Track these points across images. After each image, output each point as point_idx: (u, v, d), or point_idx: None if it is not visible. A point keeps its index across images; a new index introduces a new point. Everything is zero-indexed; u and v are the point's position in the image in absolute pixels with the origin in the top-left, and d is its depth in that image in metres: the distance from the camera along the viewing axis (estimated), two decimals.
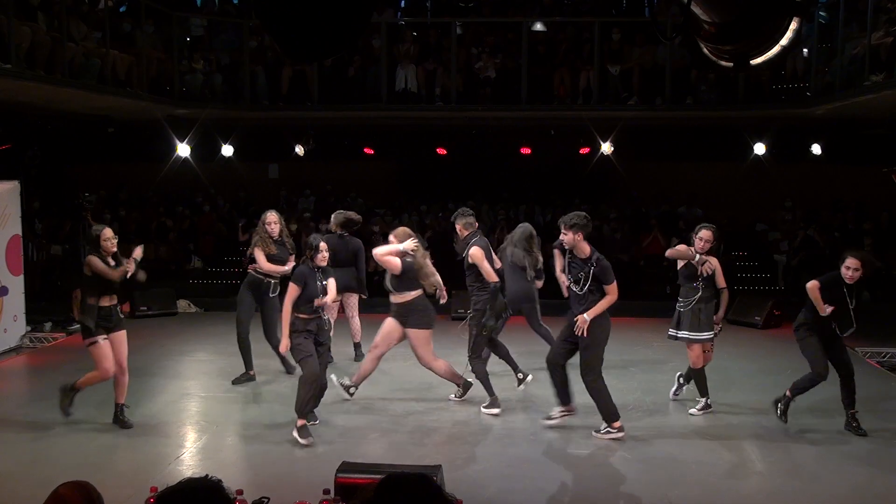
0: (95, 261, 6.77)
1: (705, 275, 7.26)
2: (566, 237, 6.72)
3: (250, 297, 8.38)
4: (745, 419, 7.27)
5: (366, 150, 15.09)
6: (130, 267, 6.90)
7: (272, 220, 8.30)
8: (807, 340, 6.82)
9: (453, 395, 7.91)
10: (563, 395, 7.09)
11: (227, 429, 7.13)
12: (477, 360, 7.61)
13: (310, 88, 12.81)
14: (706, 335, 7.33)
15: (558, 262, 7.19)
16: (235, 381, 8.47)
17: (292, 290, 6.67)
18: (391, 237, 7.68)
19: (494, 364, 8.11)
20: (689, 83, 12.58)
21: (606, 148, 13.21)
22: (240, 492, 3.95)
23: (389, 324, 7.55)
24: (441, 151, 14.79)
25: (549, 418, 7.09)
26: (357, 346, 9.64)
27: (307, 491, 5.04)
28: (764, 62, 3.72)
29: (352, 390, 7.80)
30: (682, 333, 7.40)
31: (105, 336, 6.88)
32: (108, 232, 6.90)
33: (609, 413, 6.81)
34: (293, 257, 8.38)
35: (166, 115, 12.41)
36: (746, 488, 5.98)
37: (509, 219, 14.30)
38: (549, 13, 14.02)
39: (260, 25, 11.38)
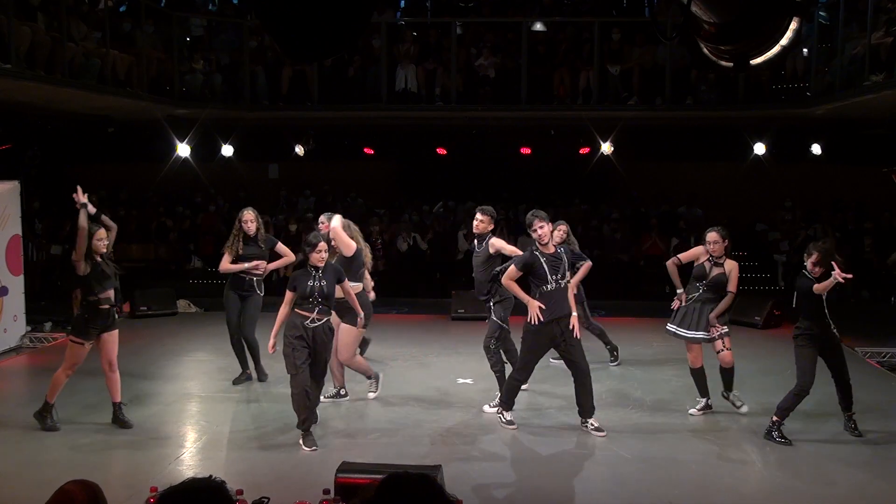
0: (74, 254, 6.85)
1: (710, 277, 7.22)
2: (543, 230, 6.77)
3: (235, 296, 8.40)
4: (745, 419, 7.26)
5: (366, 150, 15.09)
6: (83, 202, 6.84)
7: (248, 219, 8.31)
8: (803, 350, 6.69)
9: (370, 394, 7.92)
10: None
11: (227, 429, 7.13)
12: (496, 355, 7.54)
13: (310, 88, 12.81)
14: (694, 334, 7.28)
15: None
16: (236, 382, 8.48)
17: (286, 296, 6.62)
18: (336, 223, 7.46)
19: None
20: (689, 83, 12.58)
21: (606, 148, 13.21)
22: (240, 492, 3.95)
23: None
24: (441, 151, 14.79)
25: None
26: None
27: (307, 491, 5.05)
28: (764, 62, 3.72)
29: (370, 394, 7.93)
30: (670, 326, 7.42)
31: (92, 342, 6.90)
32: (101, 233, 6.91)
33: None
34: (281, 250, 8.45)
35: (166, 115, 12.40)
36: (746, 488, 5.98)
37: (509, 219, 14.30)
38: (549, 13, 14.01)
39: (260, 25, 11.39)
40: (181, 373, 9.32)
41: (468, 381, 8.58)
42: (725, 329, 7.31)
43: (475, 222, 7.62)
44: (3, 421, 7.25)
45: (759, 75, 11.68)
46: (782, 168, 14.04)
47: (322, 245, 6.62)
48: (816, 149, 13.26)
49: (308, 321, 6.55)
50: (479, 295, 7.64)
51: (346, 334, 7.39)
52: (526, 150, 14.79)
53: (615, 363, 9.35)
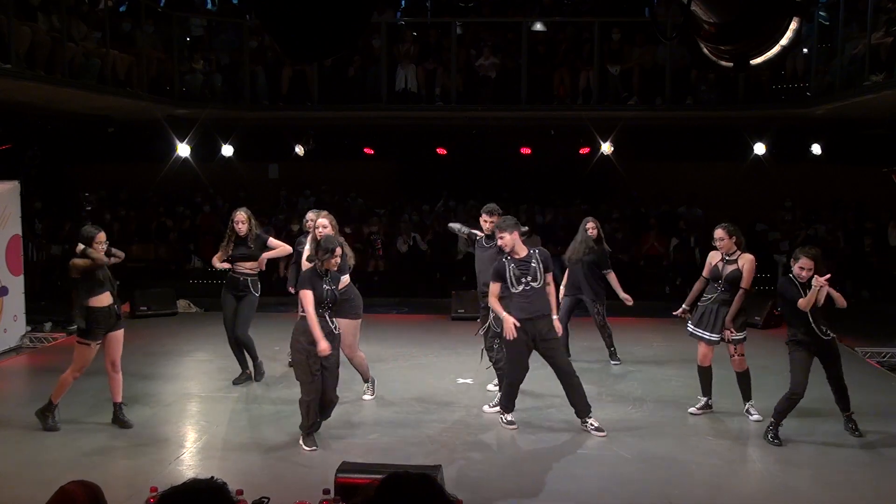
0: (77, 261, 6.82)
1: (725, 276, 7.18)
2: (504, 240, 6.86)
3: (230, 296, 8.42)
4: (745, 419, 7.26)
5: (366, 150, 15.08)
6: (107, 258, 6.85)
7: (239, 220, 8.32)
8: (794, 354, 6.67)
9: (366, 396, 7.90)
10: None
11: (227, 429, 7.14)
12: (500, 352, 7.57)
13: (310, 88, 12.80)
14: (709, 336, 7.26)
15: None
16: (236, 382, 8.49)
17: (308, 296, 6.31)
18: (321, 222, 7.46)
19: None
20: (689, 83, 12.58)
21: (606, 148, 13.21)
22: (240, 492, 3.96)
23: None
24: (441, 151, 14.78)
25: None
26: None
27: (307, 491, 5.05)
28: (764, 62, 3.72)
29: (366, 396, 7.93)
30: (690, 327, 7.39)
31: (99, 342, 6.88)
32: (102, 236, 6.92)
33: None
34: (273, 244, 8.44)
35: (166, 115, 12.40)
36: (746, 488, 5.98)
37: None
38: (549, 13, 14.01)
39: (260, 25, 11.39)
40: (181, 373, 9.32)
41: (468, 381, 8.58)
42: (741, 335, 7.23)
43: (486, 224, 7.71)
44: (3, 421, 7.25)
45: (759, 75, 11.68)
46: (782, 168, 14.04)
47: (339, 250, 6.51)
48: (816, 149, 13.26)
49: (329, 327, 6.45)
50: (484, 289, 7.64)
51: (346, 329, 7.24)
52: (526, 150, 14.78)
53: (617, 363, 9.36)
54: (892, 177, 11.79)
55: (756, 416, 7.22)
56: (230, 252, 8.33)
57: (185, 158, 13.20)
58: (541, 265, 6.91)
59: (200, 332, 11.25)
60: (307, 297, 6.30)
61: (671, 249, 14.15)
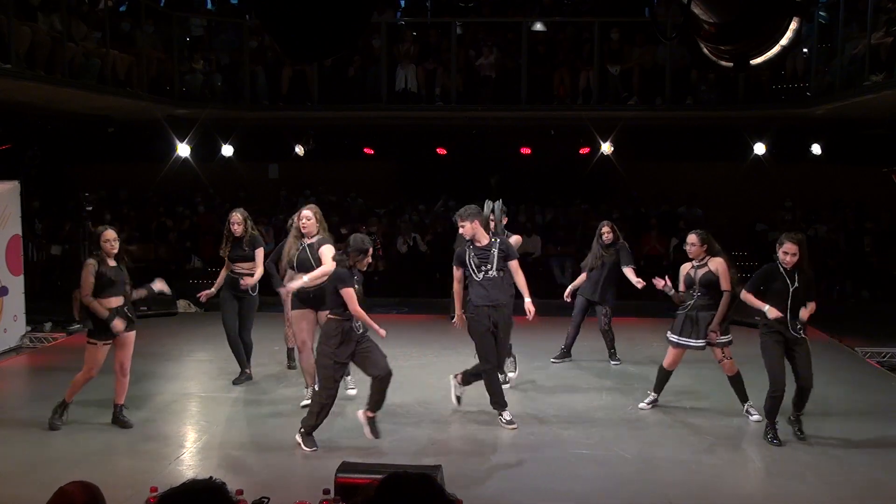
0: (85, 273, 6.75)
1: (698, 280, 7.22)
2: (465, 228, 7.08)
3: (230, 297, 8.42)
4: (745, 419, 7.26)
5: (366, 150, 15.09)
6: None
7: (234, 221, 8.33)
8: (766, 343, 6.63)
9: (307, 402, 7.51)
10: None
11: (227, 429, 7.14)
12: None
13: (310, 88, 12.81)
14: (694, 343, 7.24)
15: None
16: (236, 382, 8.49)
17: (351, 294, 6.30)
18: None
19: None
20: (689, 83, 12.58)
21: (606, 148, 13.21)
22: (240, 492, 3.95)
23: (308, 314, 7.34)
24: (441, 151, 14.79)
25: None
26: (290, 351, 9.15)
27: (307, 491, 5.05)
28: (764, 62, 3.72)
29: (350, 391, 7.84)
30: (673, 338, 7.36)
31: (108, 342, 6.84)
32: (109, 233, 6.87)
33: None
34: (265, 252, 8.40)
35: (166, 115, 12.40)
36: (746, 488, 5.98)
37: (509, 219, 14.29)
38: (549, 13, 14.01)
39: (260, 25, 11.39)
40: (181, 373, 9.32)
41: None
42: (726, 338, 7.26)
43: (493, 224, 7.90)
44: (3, 421, 7.25)
45: (759, 75, 11.68)
46: (782, 168, 14.04)
47: (371, 251, 6.52)
48: (816, 149, 13.26)
49: (354, 330, 6.40)
50: None
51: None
52: (526, 150, 14.78)
53: (617, 363, 9.37)
54: (892, 177, 11.80)
55: (756, 416, 7.20)
56: (228, 252, 8.36)
57: (185, 158, 13.20)
58: (501, 254, 7.08)
59: (200, 332, 11.25)
60: (350, 294, 6.29)
61: (671, 249, 14.14)
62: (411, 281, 14.26)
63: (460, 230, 7.19)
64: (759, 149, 12.98)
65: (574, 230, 14.59)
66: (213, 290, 8.48)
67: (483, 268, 7.07)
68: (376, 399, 6.54)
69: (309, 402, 7.30)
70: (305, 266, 7.23)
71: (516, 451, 6.57)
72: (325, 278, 6.81)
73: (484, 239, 7.14)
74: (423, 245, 14.49)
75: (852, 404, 7.68)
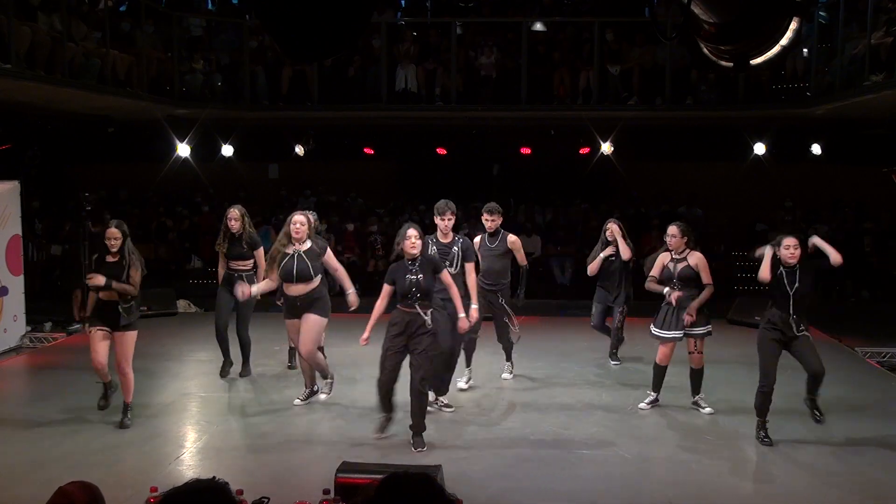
0: (94, 266, 6.95)
1: (677, 274, 7.28)
2: (452, 220, 7.34)
3: (227, 293, 8.42)
4: (745, 419, 7.24)
5: (366, 150, 15.08)
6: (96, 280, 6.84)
7: (232, 217, 8.38)
8: (763, 339, 6.62)
9: (298, 399, 7.64)
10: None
11: (227, 429, 7.13)
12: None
13: (310, 88, 12.80)
14: (673, 334, 7.31)
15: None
16: (222, 374, 8.60)
17: (384, 289, 6.59)
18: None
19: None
20: (689, 83, 12.58)
21: (606, 148, 13.21)
22: (240, 492, 3.95)
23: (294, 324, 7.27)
24: (441, 151, 14.78)
25: None
26: (292, 350, 9.09)
27: (307, 491, 5.05)
28: (764, 62, 3.72)
29: (322, 395, 7.63)
30: (654, 330, 7.44)
31: (94, 329, 6.92)
32: (109, 231, 6.95)
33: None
34: (261, 251, 8.37)
35: (166, 115, 12.40)
36: (746, 488, 5.98)
37: (509, 218, 14.30)
38: (549, 13, 14.01)
39: (260, 25, 11.39)
40: (181, 373, 9.32)
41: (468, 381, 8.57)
42: (703, 330, 7.31)
43: (488, 223, 8.02)
44: (3, 421, 7.25)
45: (759, 75, 11.68)
46: (782, 168, 14.03)
47: (411, 233, 6.48)
48: (816, 149, 13.26)
49: (414, 322, 6.47)
50: (486, 283, 7.98)
51: (312, 325, 7.14)
52: (526, 150, 14.78)
53: (617, 363, 9.35)
54: (892, 177, 11.79)
55: (707, 409, 7.46)
56: (224, 250, 8.36)
57: (185, 158, 13.20)
58: (461, 253, 7.31)
59: (200, 332, 11.23)
60: (384, 288, 6.60)
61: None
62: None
63: (448, 222, 7.31)
64: (759, 149, 12.97)
65: (574, 230, 14.59)
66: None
67: (443, 262, 7.22)
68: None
69: (300, 400, 7.53)
70: (305, 276, 7.10)
71: (516, 451, 6.57)
72: (312, 287, 6.77)
73: (448, 237, 7.38)
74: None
75: (852, 404, 7.68)
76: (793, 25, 3.54)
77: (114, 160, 15.16)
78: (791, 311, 6.49)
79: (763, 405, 6.65)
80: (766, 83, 12.24)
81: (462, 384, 8.14)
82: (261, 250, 8.42)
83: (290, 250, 7.13)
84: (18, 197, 10.59)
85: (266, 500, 4.03)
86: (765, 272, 6.60)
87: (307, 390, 7.66)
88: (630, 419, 7.39)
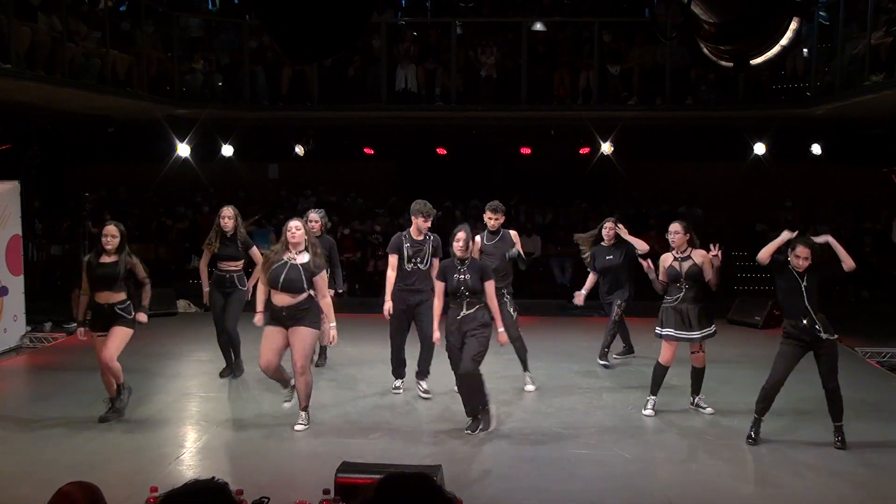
0: (84, 266, 6.93)
1: (684, 273, 7.26)
2: (428, 222, 7.71)
3: (219, 294, 8.43)
4: (745, 419, 7.23)
5: (366, 150, 15.09)
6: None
7: (225, 216, 8.35)
8: (782, 348, 6.61)
9: (286, 404, 7.21)
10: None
11: (227, 429, 7.13)
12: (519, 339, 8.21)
13: (310, 88, 12.81)
14: (688, 335, 7.28)
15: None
16: (222, 374, 8.59)
17: (437, 287, 6.92)
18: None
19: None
20: (689, 83, 12.58)
21: (606, 148, 13.21)
22: (240, 492, 3.96)
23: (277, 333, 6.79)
24: (441, 151, 14.79)
25: None
26: (322, 349, 9.23)
27: (307, 491, 5.04)
28: (764, 62, 3.72)
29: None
30: (666, 331, 7.35)
31: (95, 335, 6.93)
32: (106, 229, 6.95)
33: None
34: (256, 249, 8.32)
35: (166, 115, 12.40)
36: (746, 488, 5.97)
37: (509, 218, 14.29)
38: (549, 13, 14.01)
39: (260, 25, 11.39)
40: (181, 373, 9.32)
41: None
42: (709, 331, 7.31)
43: (492, 221, 8.06)
44: (4, 421, 7.24)
45: (759, 75, 11.68)
46: (782, 168, 14.03)
47: (461, 235, 6.71)
48: (816, 149, 13.26)
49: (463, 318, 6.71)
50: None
51: (305, 338, 6.76)
52: (526, 150, 14.79)
53: (605, 364, 9.25)
54: (892, 177, 11.79)
55: (708, 410, 7.47)
56: (216, 249, 8.33)
57: (185, 158, 13.21)
58: (431, 250, 7.77)
59: (200, 332, 11.23)
60: (437, 286, 6.94)
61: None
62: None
63: (426, 223, 7.73)
64: (759, 149, 12.98)
65: (574, 230, 14.57)
66: (206, 289, 8.54)
67: (414, 259, 7.76)
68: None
69: (288, 402, 7.10)
70: (292, 287, 6.67)
71: (516, 451, 6.57)
72: (300, 300, 6.64)
73: (421, 234, 7.80)
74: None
75: (852, 404, 7.64)
76: (793, 25, 3.54)
77: (114, 160, 15.15)
78: (808, 311, 6.42)
79: (763, 402, 6.65)
80: (766, 83, 12.24)
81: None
82: (255, 249, 8.39)
83: (284, 257, 6.74)
84: (18, 197, 10.59)
85: (266, 500, 4.03)
86: (765, 253, 6.61)
87: (287, 390, 7.15)
88: (630, 419, 7.39)
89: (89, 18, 10.73)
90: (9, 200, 10.39)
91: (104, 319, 6.92)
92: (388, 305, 7.79)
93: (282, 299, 6.65)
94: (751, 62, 3.71)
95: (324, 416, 7.28)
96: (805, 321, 6.44)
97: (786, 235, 6.66)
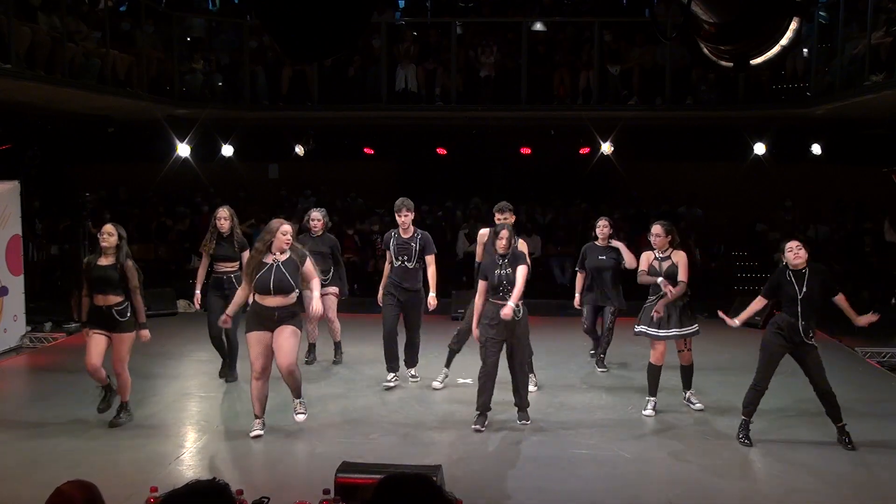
0: (84, 268, 6.93)
1: (664, 272, 7.34)
2: (400, 218, 8.02)
3: (217, 297, 8.39)
4: (744, 419, 7.25)
5: (366, 150, 15.09)
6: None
7: (221, 216, 8.32)
8: (768, 343, 6.57)
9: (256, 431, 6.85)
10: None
11: (228, 429, 7.13)
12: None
13: (310, 88, 12.81)
14: (667, 333, 7.33)
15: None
16: (221, 374, 8.59)
17: (480, 286, 7.01)
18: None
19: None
20: (689, 83, 12.58)
21: (606, 148, 13.21)
22: (240, 492, 3.96)
23: (263, 336, 6.65)
24: (441, 151, 14.79)
25: None
26: (337, 345, 9.42)
27: (307, 491, 5.05)
28: (764, 62, 3.72)
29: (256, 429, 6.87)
30: (642, 328, 7.44)
31: (90, 331, 6.90)
32: (105, 227, 6.92)
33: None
34: (247, 252, 8.15)
35: (166, 115, 12.40)
36: (746, 488, 5.97)
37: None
38: (549, 13, 14.02)
39: (260, 25, 11.39)
40: (181, 373, 9.32)
41: (468, 380, 8.57)
42: (692, 329, 7.37)
43: (500, 222, 7.89)
44: (3, 421, 7.25)
45: (759, 75, 11.69)
46: (782, 168, 14.04)
47: (504, 233, 6.90)
48: (816, 149, 13.26)
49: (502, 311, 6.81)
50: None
51: (291, 336, 6.63)
52: (526, 150, 14.79)
53: (604, 370, 9.14)
54: (892, 177, 11.79)
55: (698, 405, 7.57)
56: (212, 250, 8.32)
57: (185, 158, 13.21)
58: (419, 247, 8.03)
59: (200, 332, 11.18)
60: (480, 285, 7.04)
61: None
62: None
63: (405, 218, 7.99)
64: (759, 149, 12.98)
65: (574, 230, 14.58)
66: (198, 291, 8.50)
67: (401, 257, 8.02)
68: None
69: (259, 432, 6.73)
70: (284, 288, 6.56)
71: (516, 451, 6.57)
72: (294, 300, 6.60)
73: (408, 232, 8.05)
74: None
75: (852, 404, 7.65)
76: (793, 25, 3.54)
77: (114, 160, 15.15)
78: (799, 316, 6.43)
79: (751, 403, 6.65)
80: (766, 83, 12.24)
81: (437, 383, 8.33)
82: (247, 252, 8.36)
83: (268, 260, 6.59)
84: (18, 197, 10.59)
85: (266, 500, 4.03)
86: (742, 319, 6.68)
87: (260, 420, 6.80)
88: (630, 419, 7.39)
89: (89, 18, 10.72)
90: (9, 200, 10.39)
91: (102, 320, 6.91)
92: (380, 295, 8.25)
93: (275, 301, 6.56)
94: (751, 62, 3.71)
95: (324, 416, 7.28)
96: (797, 325, 6.44)
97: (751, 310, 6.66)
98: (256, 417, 6.79)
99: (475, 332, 7.12)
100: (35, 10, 9.53)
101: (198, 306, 8.60)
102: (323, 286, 8.91)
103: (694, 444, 6.75)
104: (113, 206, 14.98)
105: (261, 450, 6.56)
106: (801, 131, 13.30)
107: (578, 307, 9.16)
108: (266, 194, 15.69)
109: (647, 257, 7.56)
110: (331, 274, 9.11)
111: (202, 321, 12.08)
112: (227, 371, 8.60)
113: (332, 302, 9.16)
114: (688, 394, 7.69)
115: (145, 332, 7.09)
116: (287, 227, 6.66)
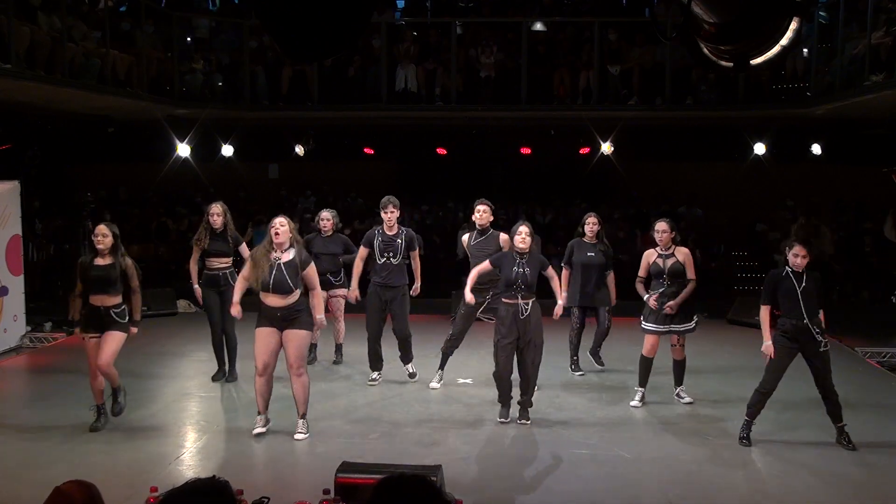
0: (78, 267, 6.86)
1: (667, 269, 7.42)
2: (385, 216, 8.08)
3: (213, 294, 8.38)
4: (745, 418, 7.25)
5: (366, 150, 15.09)
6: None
7: (214, 212, 8.30)
8: (776, 343, 6.57)
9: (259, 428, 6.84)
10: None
11: (228, 429, 7.13)
12: None
13: (310, 88, 12.81)
14: (669, 328, 7.45)
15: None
16: (214, 378, 8.55)
17: (484, 264, 7.06)
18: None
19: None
20: (689, 83, 12.58)
21: (606, 148, 13.21)
22: (240, 492, 3.95)
23: (271, 334, 6.64)
24: (441, 151, 14.79)
25: None
26: (338, 347, 9.46)
27: (307, 491, 5.05)
28: (764, 62, 3.71)
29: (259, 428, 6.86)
30: (647, 325, 7.53)
31: (86, 336, 6.84)
32: (98, 228, 6.86)
33: None
34: (244, 252, 8.20)
35: (166, 115, 12.40)
36: (746, 488, 5.97)
37: (508, 218, 14.29)
38: (549, 13, 14.01)
39: (260, 25, 11.39)
40: (181, 373, 9.32)
41: (468, 381, 8.58)
42: (689, 325, 7.47)
43: (480, 214, 7.99)
44: (3, 421, 7.25)
45: (759, 75, 11.68)
46: (782, 168, 14.04)
47: (523, 229, 6.93)
48: (816, 149, 13.26)
49: (519, 312, 6.84)
50: (478, 283, 7.78)
51: (300, 340, 6.64)
52: (526, 150, 14.79)
53: (600, 367, 9.15)
54: (892, 177, 11.79)
55: (687, 399, 7.72)
56: (206, 246, 8.30)
57: (185, 158, 13.21)
58: (404, 244, 8.12)
59: (200, 332, 11.21)
60: (484, 263, 7.08)
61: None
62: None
63: (391, 214, 8.05)
64: (759, 149, 12.98)
65: (574, 230, 14.55)
66: (196, 285, 8.47)
67: (386, 254, 8.11)
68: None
69: (262, 429, 6.74)
70: (282, 288, 6.55)
71: (516, 451, 6.57)
72: (293, 300, 6.56)
73: (393, 230, 8.12)
74: (421, 249, 14.47)
75: (852, 404, 7.66)
76: (793, 25, 3.53)
77: (114, 160, 15.15)
78: (803, 311, 6.42)
79: (756, 405, 6.66)
80: (766, 83, 12.24)
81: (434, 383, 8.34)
82: (244, 245, 8.38)
83: (270, 258, 6.58)
84: (18, 197, 10.59)
85: (266, 500, 4.03)
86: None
87: (262, 416, 6.81)
88: (629, 419, 7.40)
89: (89, 18, 10.73)
90: (9, 200, 10.40)
91: (98, 321, 6.81)
92: (355, 293, 8.51)
93: (274, 300, 6.57)
94: (751, 62, 3.71)
95: (324, 416, 7.27)
96: (804, 322, 6.44)
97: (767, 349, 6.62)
98: (259, 413, 6.82)
99: (468, 296, 7.23)
100: (35, 10, 9.53)
101: (199, 298, 8.53)
102: (334, 287, 8.98)
103: (694, 444, 6.75)
104: (113, 206, 14.99)
105: (261, 449, 6.56)
106: (801, 131, 13.30)
107: (563, 304, 9.06)
108: (266, 194, 15.69)
109: (649, 256, 7.61)
110: (341, 274, 9.14)
111: (202, 321, 12.09)
112: (220, 375, 8.57)
113: (340, 304, 9.19)
114: (678, 389, 7.82)
115: (134, 329, 6.99)
116: (278, 220, 6.64)
